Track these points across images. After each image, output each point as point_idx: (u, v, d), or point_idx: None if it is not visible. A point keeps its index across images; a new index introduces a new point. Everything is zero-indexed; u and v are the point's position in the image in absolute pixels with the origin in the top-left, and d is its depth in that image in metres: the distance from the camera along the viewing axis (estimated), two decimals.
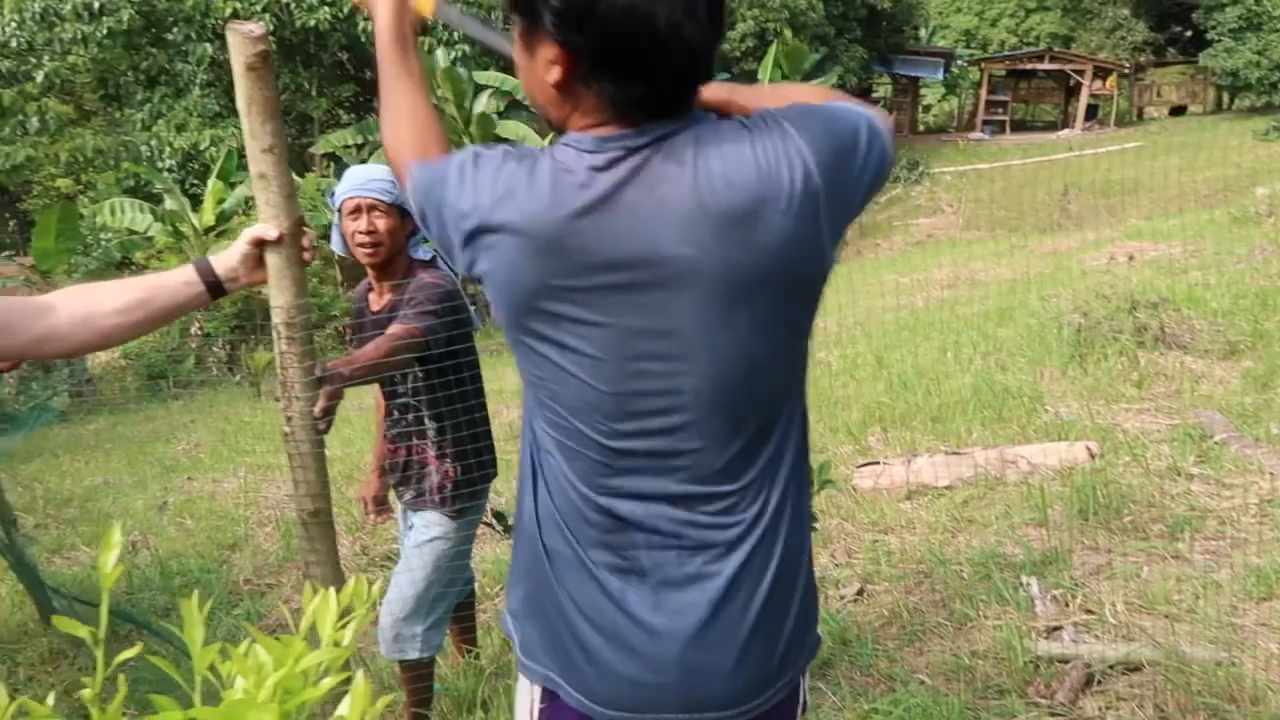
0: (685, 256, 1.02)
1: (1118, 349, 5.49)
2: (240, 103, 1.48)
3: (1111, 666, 2.57)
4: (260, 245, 1.54)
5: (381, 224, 2.45)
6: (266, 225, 1.53)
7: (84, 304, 1.45)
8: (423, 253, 2.59)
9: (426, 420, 2.54)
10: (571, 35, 1.00)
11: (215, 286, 1.54)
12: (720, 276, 1.03)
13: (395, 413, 2.58)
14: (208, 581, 4.24)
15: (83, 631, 0.96)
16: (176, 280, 1.52)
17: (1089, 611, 2.91)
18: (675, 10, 0.97)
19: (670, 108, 1.04)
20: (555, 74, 1.03)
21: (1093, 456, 4.07)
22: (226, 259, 1.55)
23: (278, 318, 1.57)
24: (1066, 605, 2.97)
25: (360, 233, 2.44)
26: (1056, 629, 2.83)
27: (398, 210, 2.45)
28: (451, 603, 2.70)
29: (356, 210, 2.44)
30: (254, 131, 1.49)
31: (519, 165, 1.06)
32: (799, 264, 1.06)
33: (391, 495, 2.86)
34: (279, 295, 1.57)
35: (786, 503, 1.15)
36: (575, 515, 1.15)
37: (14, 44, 16.81)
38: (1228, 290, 6.73)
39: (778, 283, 1.05)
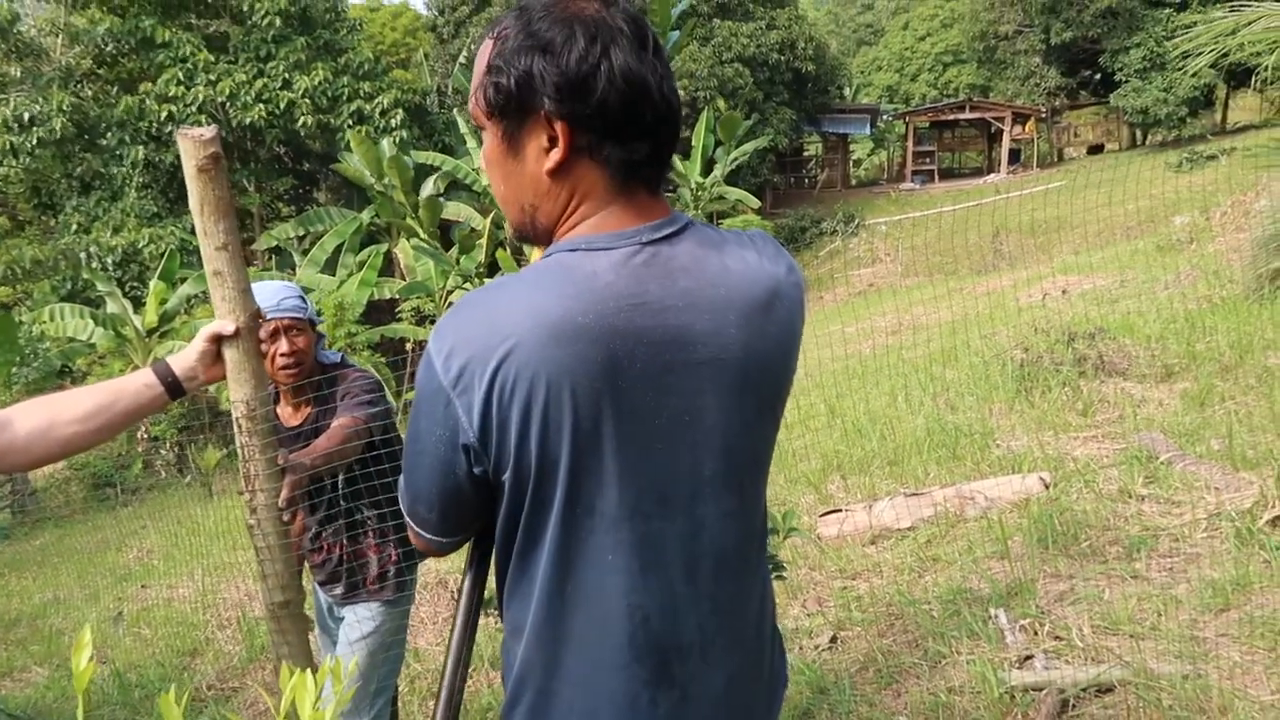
0: (714, 344, 1.06)
1: (1060, 380, 5.65)
2: (193, 203, 1.51)
3: (1084, 690, 2.62)
4: (217, 341, 1.55)
5: (301, 341, 2.39)
6: (224, 321, 1.54)
7: (42, 415, 1.45)
8: (331, 355, 2.55)
9: (364, 511, 2.49)
10: (576, 105, 1.00)
11: (174, 386, 1.54)
12: (739, 362, 1.07)
13: (322, 511, 2.50)
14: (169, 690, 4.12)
15: None
16: (135, 384, 1.53)
17: (1058, 638, 2.96)
18: (658, 78, 1.03)
19: (662, 174, 1.09)
20: (555, 156, 1.02)
21: (1046, 486, 4.17)
22: (184, 358, 1.56)
23: (238, 411, 1.59)
24: (1035, 634, 3.02)
25: (282, 354, 2.36)
26: (1028, 658, 2.88)
27: (309, 324, 2.42)
28: (393, 687, 2.64)
29: (275, 333, 2.35)
30: (207, 230, 1.52)
31: (517, 284, 1.03)
32: (792, 356, 1.15)
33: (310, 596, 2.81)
34: (238, 389, 1.58)
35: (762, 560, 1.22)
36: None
37: None
38: (1158, 316, 6.99)
39: (780, 371, 1.13)
